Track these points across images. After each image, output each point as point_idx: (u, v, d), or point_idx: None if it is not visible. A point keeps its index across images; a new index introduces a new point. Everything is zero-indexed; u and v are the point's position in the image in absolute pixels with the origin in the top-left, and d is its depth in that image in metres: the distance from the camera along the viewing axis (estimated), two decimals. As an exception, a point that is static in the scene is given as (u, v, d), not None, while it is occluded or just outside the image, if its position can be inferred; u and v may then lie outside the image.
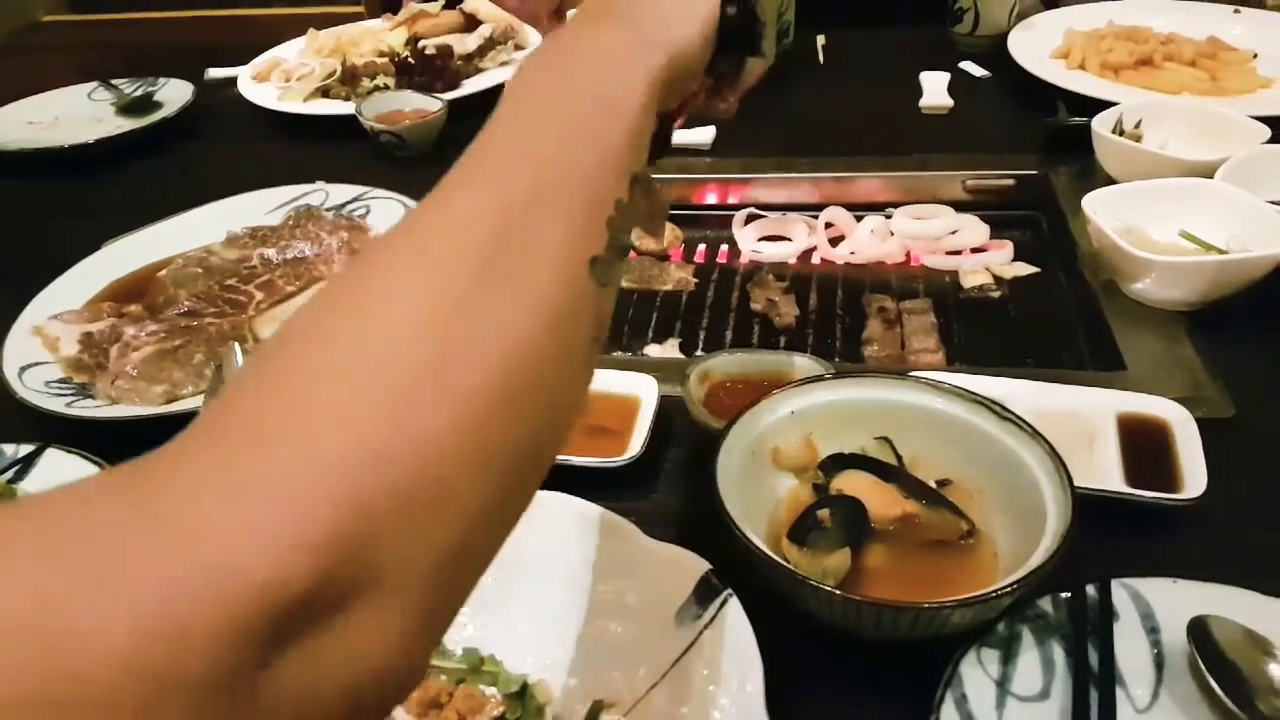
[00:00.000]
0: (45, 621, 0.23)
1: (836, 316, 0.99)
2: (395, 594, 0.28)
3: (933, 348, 0.91)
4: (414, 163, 1.23)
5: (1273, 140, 0.97)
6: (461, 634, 0.60)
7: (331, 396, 0.29)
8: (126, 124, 1.38)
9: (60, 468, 0.74)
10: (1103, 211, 0.87)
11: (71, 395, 0.82)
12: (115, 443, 0.75)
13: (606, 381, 0.78)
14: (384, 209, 1.04)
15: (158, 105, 1.42)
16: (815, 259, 1.08)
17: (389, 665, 0.29)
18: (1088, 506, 0.57)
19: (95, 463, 0.74)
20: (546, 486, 0.63)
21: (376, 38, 1.48)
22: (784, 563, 0.56)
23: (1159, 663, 0.55)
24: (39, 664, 0.22)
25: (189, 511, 0.25)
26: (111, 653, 0.23)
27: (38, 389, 0.82)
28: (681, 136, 1.22)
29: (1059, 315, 0.95)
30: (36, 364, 0.86)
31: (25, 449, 0.76)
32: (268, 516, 0.26)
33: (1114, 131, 1.04)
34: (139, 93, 1.46)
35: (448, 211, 0.35)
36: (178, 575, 0.24)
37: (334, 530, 0.26)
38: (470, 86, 1.36)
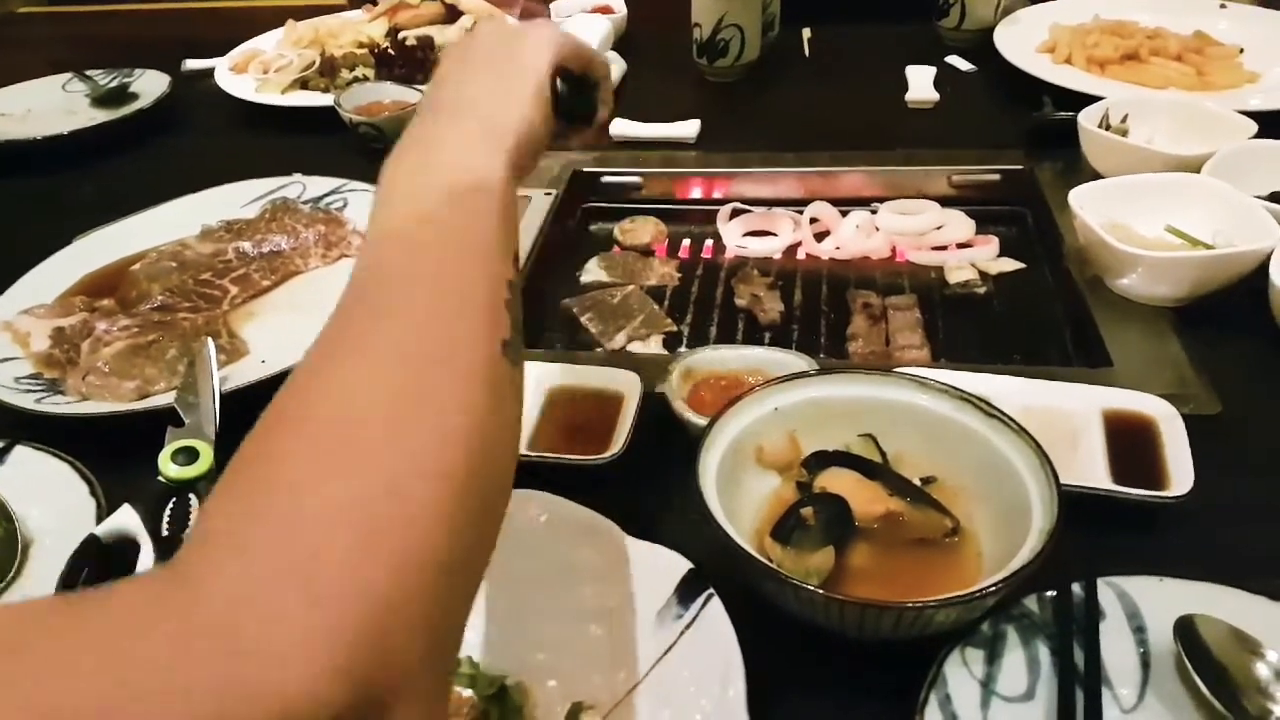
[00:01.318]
0: None
1: (821, 312, 0.98)
2: (425, 696, 0.31)
3: (918, 344, 0.90)
4: (394, 155, 1.22)
5: (1259, 135, 0.97)
6: (438, 635, 0.58)
7: (323, 509, 0.31)
8: (101, 116, 1.35)
9: (29, 465, 0.73)
10: (1089, 206, 0.87)
11: (41, 391, 0.80)
12: (85, 439, 0.74)
13: (589, 378, 0.77)
14: (362, 202, 1.02)
15: (133, 97, 1.40)
16: (800, 254, 1.07)
17: None
18: (1073, 504, 0.56)
19: (64, 460, 0.72)
20: (527, 485, 0.63)
21: (356, 29, 1.47)
22: (767, 562, 0.55)
23: (1145, 662, 0.54)
24: None
25: (222, 646, 0.27)
26: None
27: (7, 385, 0.81)
28: (666, 131, 1.21)
29: (1045, 311, 0.95)
30: (6, 359, 0.84)
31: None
32: (301, 651, 0.28)
33: (1100, 126, 1.03)
34: (114, 84, 1.43)
35: (360, 361, 0.37)
36: (225, 697, 0.26)
37: (355, 654, 0.28)
38: (452, 79, 1.34)
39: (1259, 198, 0.87)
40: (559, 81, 0.58)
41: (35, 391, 0.80)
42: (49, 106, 1.41)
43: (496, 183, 0.46)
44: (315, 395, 0.36)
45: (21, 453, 0.74)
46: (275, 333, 0.88)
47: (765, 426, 0.65)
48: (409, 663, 0.30)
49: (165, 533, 0.64)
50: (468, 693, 0.55)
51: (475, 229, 0.43)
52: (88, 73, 1.47)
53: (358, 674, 0.28)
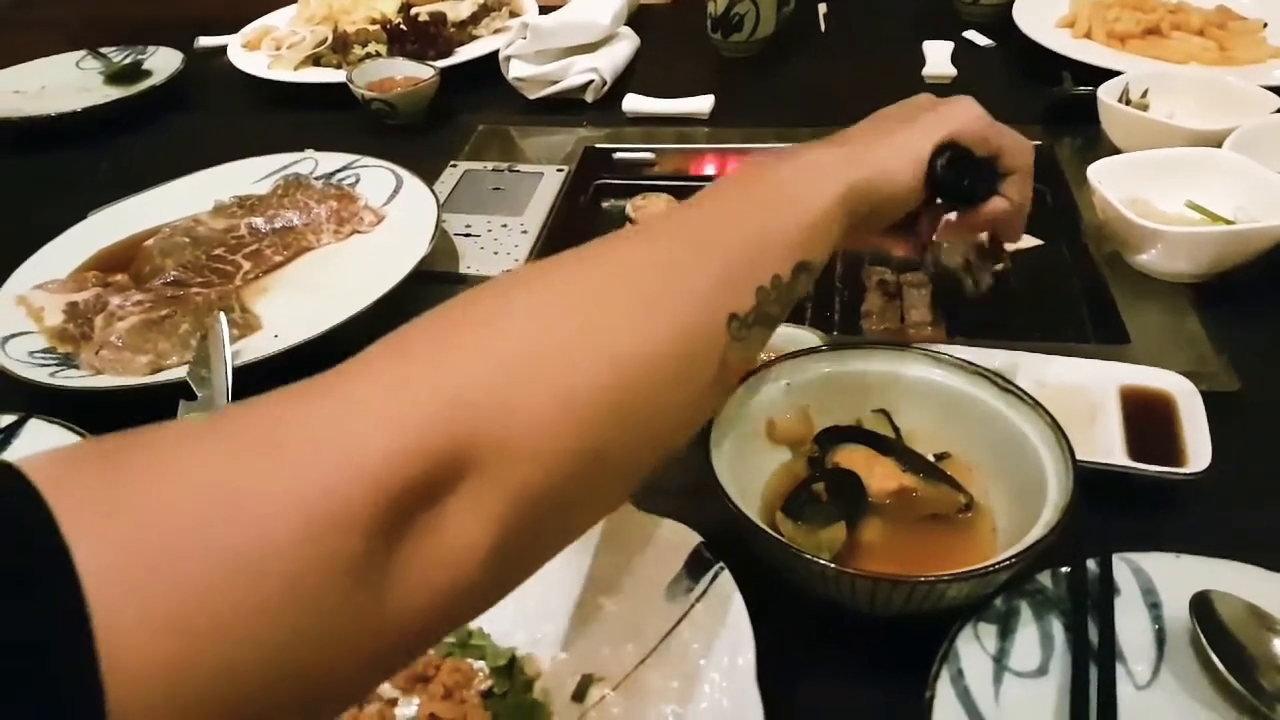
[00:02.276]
0: (235, 487, 0.28)
1: (835, 289, 0.97)
2: (482, 504, 0.33)
3: (932, 320, 0.89)
4: (405, 131, 1.21)
5: (1282, 110, 0.95)
6: (449, 608, 0.58)
7: (462, 363, 0.35)
8: (115, 93, 1.35)
9: (43, 438, 0.73)
10: (1108, 182, 0.86)
11: (55, 365, 0.81)
12: (99, 413, 0.74)
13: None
14: (374, 177, 1.02)
15: (146, 74, 1.40)
16: (814, 231, 1.06)
17: (472, 576, 0.33)
18: (1089, 480, 0.55)
19: (78, 433, 0.72)
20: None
21: (369, 4, 1.46)
22: (778, 536, 0.55)
23: (1160, 639, 0.53)
24: (224, 519, 0.28)
25: (347, 406, 0.33)
26: (283, 517, 0.28)
27: (21, 359, 0.81)
28: (680, 106, 1.20)
29: (1062, 288, 0.94)
30: (20, 334, 0.85)
31: (7, 419, 0.74)
32: (380, 427, 0.32)
33: (1120, 101, 1.02)
34: (128, 61, 1.43)
35: (619, 240, 0.44)
36: (334, 458, 0.30)
37: (427, 440, 0.32)
38: (464, 54, 1.34)
39: (1282, 173, 0.85)
40: (943, 155, 0.57)
41: (49, 365, 0.81)
42: (63, 83, 1.41)
43: (817, 201, 0.48)
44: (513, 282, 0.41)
45: (35, 426, 0.74)
46: (287, 308, 0.88)
47: (777, 402, 0.65)
48: (490, 455, 0.33)
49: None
50: (478, 664, 0.55)
51: (769, 226, 0.46)
52: (102, 50, 1.47)
53: (445, 438, 0.32)
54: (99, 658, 0.24)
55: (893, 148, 0.54)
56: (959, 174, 0.58)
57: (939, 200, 0.61)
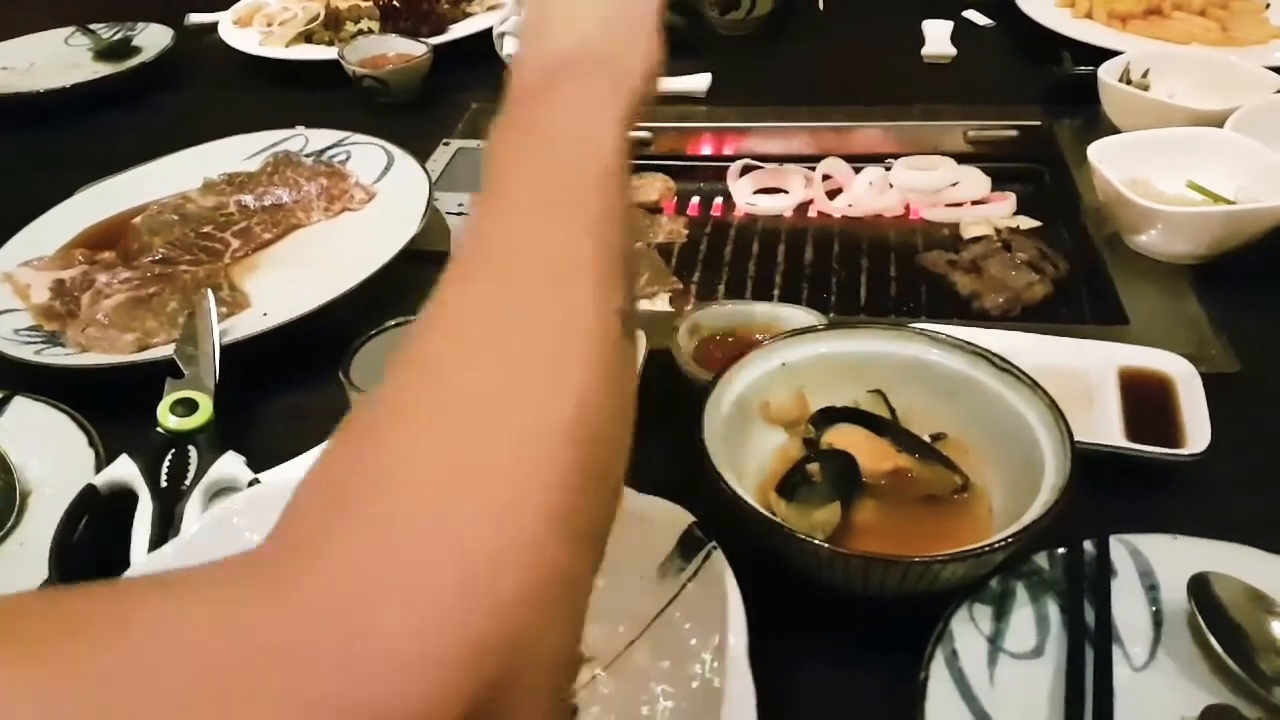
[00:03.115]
0: None
1: (832, 270, 0.97)
2: (534, 692, 0.28)
3: (1039, 279, 0.88)
4: (397, 109, 1.20)
5: (1284, 90, 0.94)
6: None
7: (433, 507, 0.28)
8: (104, 69, 1.34)
9: (28, 416, 0.72)
10: (1108, 162, 0.85)
11: (41, 343, 0.80)
12: (85, 391, 0.73)
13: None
14: (365, 155, 1.01)
15: (136, 50, 1.38)
16: (812, 212, 1.05)
17: None
18: (1087, 462, 0.54)
19: (64, 411, 0.71)
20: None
21: (362, -19, 1.44)
22: (771, 516, 0.54)
23: (1157, 620, 0.53)
24: None
25: (333, 628, 0.25)
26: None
27: (7, 336, 0.80)
28: (676, 84, 1.19)
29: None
30: (6, 311, 0.84)
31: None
32: (417, 642, 0.25)
33: (1121, 81, 1.01)
34: (117, 38, 1.41)
35: (462, 342, 0.33)
36: (331, 698, 0.24)
37: (485, 648, 0.26)
38: (457, 31, 1.32)
39: (1284, 153, 0.84)
40: (673, 15, 0.49)
41: (35, 343, 0.79)
42: (52, 60, 1.40)
43: (614, 152, 0.41)
44: (420, 381, 0.32)
45: (21, 404, 0.73)
46: (276, 286, 0.87)
47: (772, 382, 0.64)
48: (523, 677, 0.27)
49: (164, 484, 0.64)
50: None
51: (590, 202, 0.38)
52: (91, 26, 1.45)
53: (467, 691, 0.25)
54: None
55: (646, 30, 0.45)
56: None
57: None
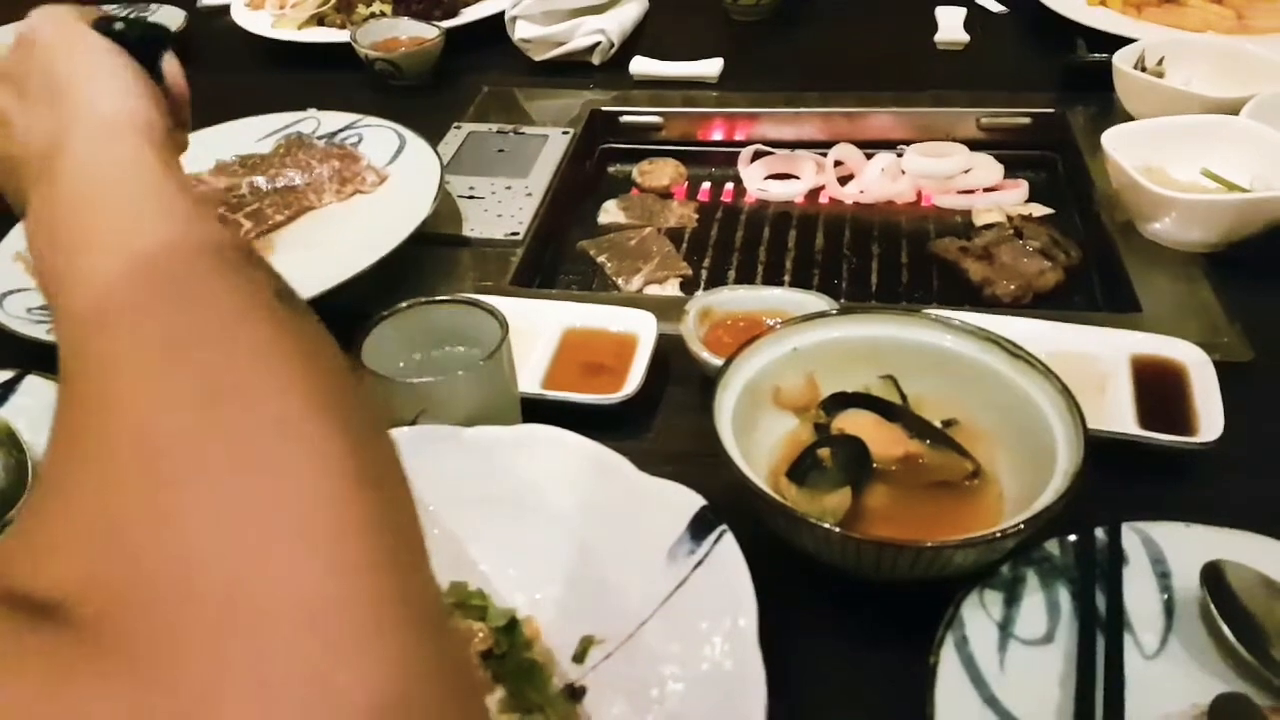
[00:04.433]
0: None
1: (844, 257, 0.96)
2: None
3: (1051, 265, 0.87)
4: (409, 92, 1.20)
5: (1302, 78, 0.94)
6: (450, 568, 0.58)
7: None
8: (116, 50, 1.33)
9: (40, 395, 0.72)
10: (1122, 149, 0.84)
11: (53, 322, 0.80)
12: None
13: (604, 319, 0.76)
14: (377, 137, 1.01)
15: (148, 32, 1.38)
16: (823, 198, 1.05)
17: None
18: (1099, 449, 0.54)
19: (76, 391, 0.72)
20: (540, 421, 0.62)
21: (374, -36, 1.43)
22: (782, 501, 0.54)
23: (1169, 608, 0.53)
24: None
25: None
26: None
27: (19, 316, 0.80)
28: (688, 70, 1.18)
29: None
30: (18, 290, 0.84)
31: (5, 375, 0.74)
32: None
33: (1136, 68, 1.00)
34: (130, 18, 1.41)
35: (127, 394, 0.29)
36: None
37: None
38: (469, 14, 1.32)
39: (1300, 141, 0.84)
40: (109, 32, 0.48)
41: (47, 322, 0.80)
42: (63, 41, 1.39)
43: (157, 172, 0.38)
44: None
45: (32, 383, 0.73)
46: (288, 267, 0.84)
47: (783, 367, 0.64)
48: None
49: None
50: (479, 625, 0.55)
51: (188, 224, 0.36)
52: (103, 7, 1.44)
53: None
54: None
55: (117, 87, 0.44)
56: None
57: None
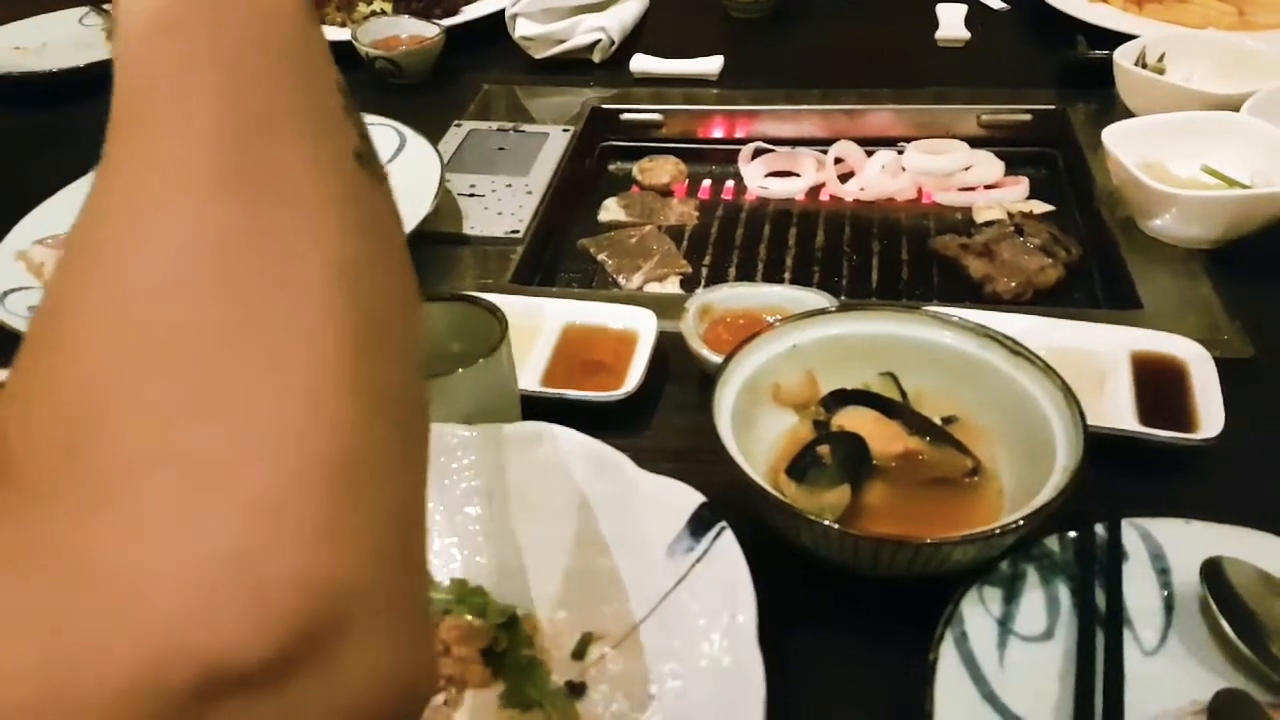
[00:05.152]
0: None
1: (844, 254, 0.96)
2: (372, 619, 0.24)
3: (1051, 262, 0.87)
4: (410, 90, 1.20)
5: (1303, 74, 0.93)
6: (450, 565, 0.58)
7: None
8: (117, 49, 1.33)
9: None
10: (1123, 145, 0.84)
11: (54, 321, 0.80)
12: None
13: (604, 316, 0.76)
14: (376, 135, 0.98)
15: (149, 30, 1.38)
16: (823, 195, 1.05)
17: (389, 684, 0.25)
18: (1099, 446, 0.54)
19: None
20: (540, 418, 0.62)
21: (374, -37, 1.43)
22: (781, 497, 0.54)
23: (1169, 604, 0.53)
24: None
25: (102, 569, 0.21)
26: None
27: (21, 314, 0.80)
28: (688, 67, 1.18)
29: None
30: (20, 289, 0.84)
31: (4, 374, 0.73)
32: (207, 599, 0.21)
33: (1136, 65, 1.00)
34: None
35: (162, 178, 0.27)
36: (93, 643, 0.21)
37: (283, 591, 0.22)
38: (469, 12, 1.32)
39: (1301, 138, 0.84)
40: None
41: (48, 321, 0.80)
42: (65, 40, 1.39)
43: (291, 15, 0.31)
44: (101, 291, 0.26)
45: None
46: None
47: (783, 364, 0.64)
48: (346, 581, 0.23)
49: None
50: (479, 621, 0.55)
51: (291, 35, 0.31)
52: (104, 6, 1.45)
53: (285, 612, 0.22)
54: None
55: None
56: None
57: None
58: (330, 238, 0.27)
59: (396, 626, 0.25)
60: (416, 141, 0.98)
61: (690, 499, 0.55)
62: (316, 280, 0.26)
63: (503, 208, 0.96)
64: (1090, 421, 0.55)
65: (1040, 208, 0.98)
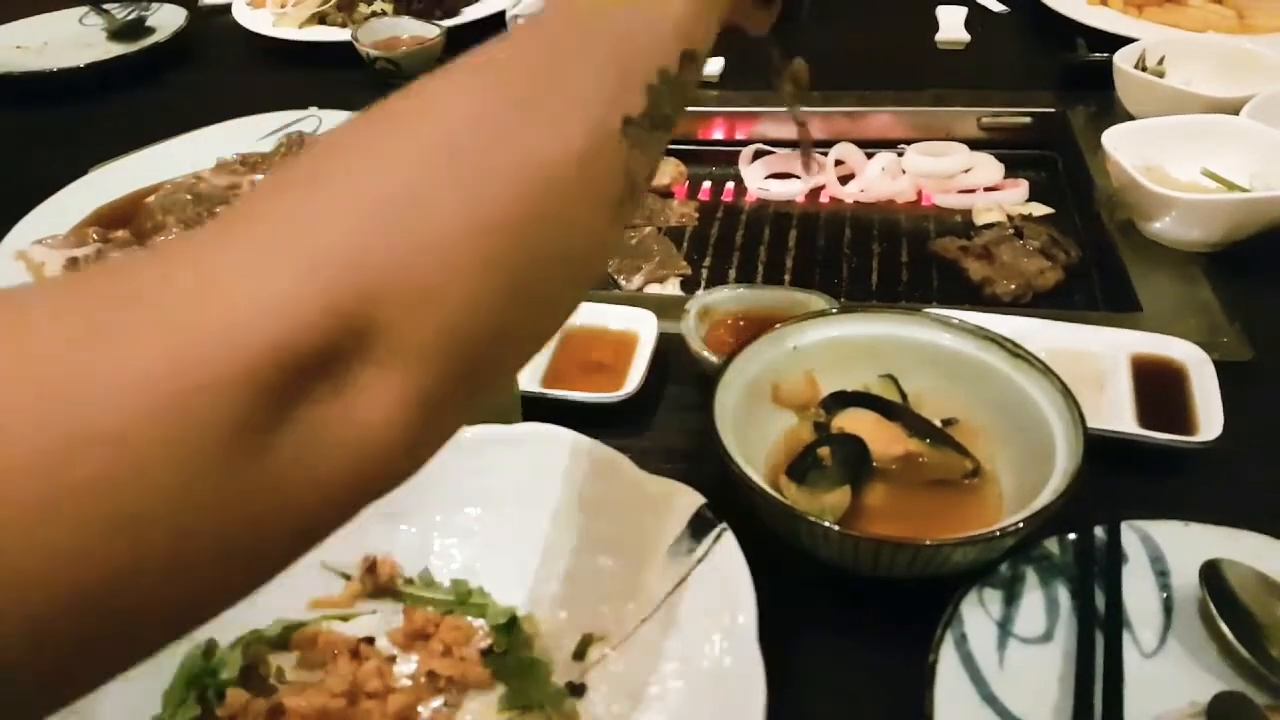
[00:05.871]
0: (71, 364, 0.24)
1: (844, 256, 0.96)
2: (396, 361, 0.29)
3: (1051, 265, 0.87)
4: (411, 92, 1.20)
5: (1302, 78, 0.94)
6: (450, 565, 0.58)
7: (352, 177, 0.30)
8: (118, 49, 1.34)
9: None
10: (1123, 148, 0.84)
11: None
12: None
13: (604, 317, 0.76)
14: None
15: (150, 31, 1.38)
16: (824, 197, 1.05)
17: (387, 438, 0.29)
18: (1098, 448, 0.54)
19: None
20: (540, 419, 0.62)
21: (375, -37, 1.44)
22: (781, 499, 0.54)
23: (1168, 606, 0.53)
24: (64, 403, 0.23)
25: (211, 273, 0.27)
26: (133, 392, 0.24)
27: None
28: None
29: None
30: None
31: None
32: (278, 278, 0.27)
33: (1136, 68, 1.00)
34: (131, 17, 1.41)
35: (485, 54, 0.36)
36: (201, 326, 0.25)
37: (338, 292, 0.27)
38: (470, 14, 1.32)
39: (1300, 141, 0.84)
40: None
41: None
42: (66, 39, 1.40)
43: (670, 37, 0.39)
44: (398, 105, 0.34)
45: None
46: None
47: (783, 366, 0.64)
48: (394, 317, 0.29)
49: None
50: (479, 622, 0.55)
51: (647, 11, 0.39)
52: (105, 6, 1.45)
53: (335, 307, 0.27)
54: None
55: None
56: None
57: None
58: (554, 159, 0.34)
59: (395, 390, 0.29)
60: (417, 142, 0.98)
61: (691, 500, 0.55)
62: (514, 177, 0.32)
63: (503, 209, 0.96)
64: (1090, 424, 0.55)
65: (1040, 210, 0.98)
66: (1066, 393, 0.57)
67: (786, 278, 0.94)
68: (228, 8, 1.43)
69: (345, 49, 1.23)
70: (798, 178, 1.06)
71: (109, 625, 0.25)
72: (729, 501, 0.55)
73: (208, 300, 0.26)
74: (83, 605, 0.24)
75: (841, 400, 0.64)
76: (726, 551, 0.52)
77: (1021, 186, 1.01)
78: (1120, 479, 0.59)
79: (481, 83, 0.35)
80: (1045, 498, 0.52)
